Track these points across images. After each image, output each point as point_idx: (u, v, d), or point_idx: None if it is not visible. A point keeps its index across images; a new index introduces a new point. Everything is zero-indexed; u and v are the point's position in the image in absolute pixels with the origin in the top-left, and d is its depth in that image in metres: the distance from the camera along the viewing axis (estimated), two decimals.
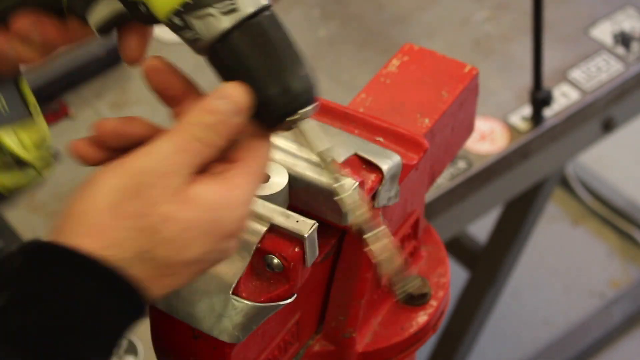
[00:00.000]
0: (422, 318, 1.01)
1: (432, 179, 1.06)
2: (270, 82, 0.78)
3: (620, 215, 2.72)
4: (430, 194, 1.52)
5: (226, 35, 0.77)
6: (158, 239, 0.76)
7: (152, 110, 1.56)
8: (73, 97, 1.68)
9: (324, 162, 0.81)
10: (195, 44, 0.79)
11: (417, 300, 1.02)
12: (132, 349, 1.41)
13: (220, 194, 0.77)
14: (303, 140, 0.81)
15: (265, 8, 0.78)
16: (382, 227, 0.82)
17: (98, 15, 0.83)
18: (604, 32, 1.79)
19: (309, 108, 0.79)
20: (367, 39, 1.78)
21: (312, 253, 0.86)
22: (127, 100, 1.66)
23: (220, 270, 0.84)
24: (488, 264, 2.14)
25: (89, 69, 1.69)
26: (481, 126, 1.62)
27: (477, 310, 2.16)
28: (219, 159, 0.79)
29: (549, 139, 1.67)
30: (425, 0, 1.84)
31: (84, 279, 0.74)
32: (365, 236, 0.82)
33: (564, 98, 1.68)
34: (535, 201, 1.98)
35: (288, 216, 0.85)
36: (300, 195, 0.89)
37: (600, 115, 1.74)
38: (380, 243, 0.82)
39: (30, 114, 0.92)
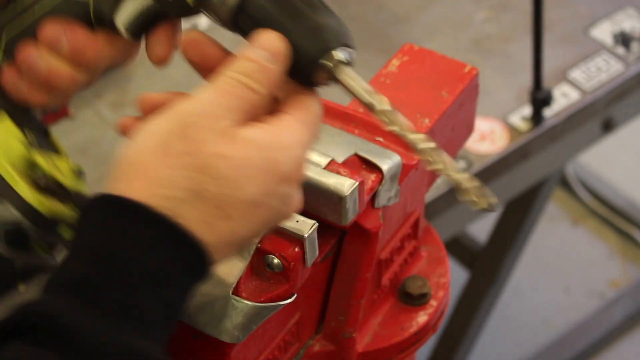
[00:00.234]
0: (422, 318, 1.01)
1: (432, 179, 1.06)
2: (301, 30, 0.77)
3: (620, 215, 2.72)
4: (430, 194, 1.52)
5: None
6: (211, 176, 0.73)
7: None
8: (73, 97, 1.68)
9: (378, 112, 0.79)
10: (222, 12, 0.78)
11: (417, 300, 1.02)
12: None
13: (273, 135, 0.76)
14: (350, 93, 0.79)
15: None
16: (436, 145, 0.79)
17: (126, 14, 0.83)
18: (604, 32, 1.79)
19: (343, 50, 0.78)
20: (367, 39, 1.78)
21: (312, 253, 0.87)
22: (127, 100, 1.66)
23: (220, 271, 0.84)
24: (488, 264, 2.14)
25: None
26: (481, 126, 1.62)
27: (477, 310, 2.16)
28: (268, 112, 0.78)
29: (549, 139, 1.67)
30: (425, 0, 1.84)
31: (134, 226, 0.72)
32: (428, 158, 0.79)
33: (564, 98, 1.68)
34: (535, 201, 1.98)
35: None
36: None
37: (600, 115, 1.74)
38: (442, 158, 0.79)
39: (58, 151, 0.91)
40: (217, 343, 0.86)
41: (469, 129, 1.10)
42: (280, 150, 0.76)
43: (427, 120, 1.00)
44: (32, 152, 0.86)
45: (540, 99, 1.62)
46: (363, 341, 1.00)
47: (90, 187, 1.58)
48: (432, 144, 0.79)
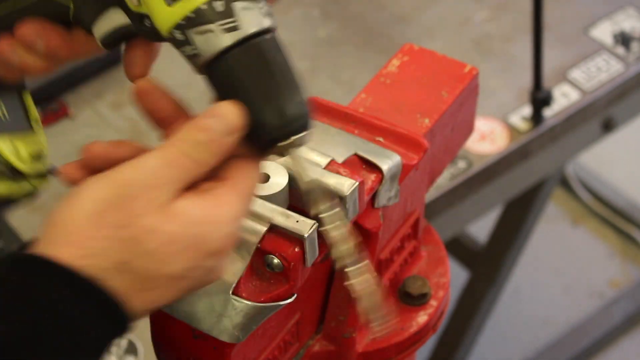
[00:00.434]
0: (422, 318, 1.01)
1: (432, 179, 1.06)
2: (265, 105, 0.77)
3: (620, 215, 2.72)
4: (430, 194, 1.52)
5: (225, 53, 0.77)
6: (139, 250, 0.74)
7: None
8: (73, 97, 1.68)
9: (310, 194, 0.80)
10: (194, 60, 0.78)
11: (417, 300, 1.02)
12: (132, 349, 1.41)
13: (206, 210, 0.76)
14: (294, 167, 0.80)
15: (268, 30, 0.78)
16: (365, 262, 0.80)
17: (104, 27, 0.83)
18: (604, 32, 1.79)
19: (301, 135, 0.78)
20: (367, 39, 1.78)
21: (312, 253, 0.86)
22: (127, 100, 1.66)
23: None
24: (488, 264, 2.13)
25: (89, 69, 1.69)
26: (481, 126, 1.62)
27: (477, 310, 2.16)
28: (208, 177, 0.78)
29: (549, 139, 1.67)
30: (425, 0, 1.84)
31: (59, 288, 0.73)
32: (347, 270, 0.80)
33: (564, 98, 1.68)
34: (535, 201, 1.98)
35: (288, 216, 0.85)
36: (300, 195, 0.89)
37: (600, 115, 1.74)
38: (362, 278, 0.80)
39: (30, 127, 0.92)
40: (217, 343, 0.86)
41: (469, 129, 1.10)
42: (212, 226, 0.76)
43: (427, 120, 1.00)
44: None
45: (540, 99, 1.62)
46: (363, 341, 1.00)
47: None
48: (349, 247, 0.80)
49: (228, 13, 0.76)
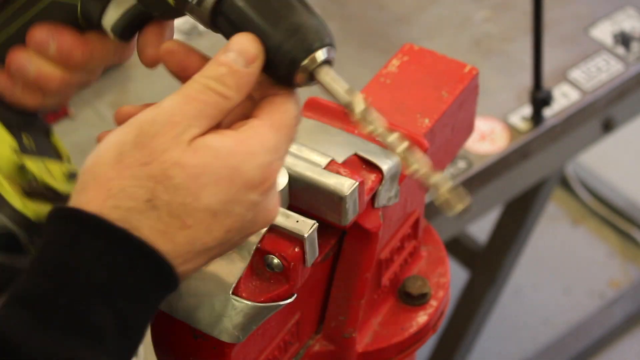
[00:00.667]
0: (422, 318, 1.01)
1: None
2: (278, 28, 0.76)
3: (620, 215, 2.73)
4: (430, 194, 1.52)
5: None
6: (165, 185, 0.72)
7: None
8: (73, 97, 1.68)
9: (354, 112, 0.77)
10: (202, 7, 0.77)
11: (417, 300, 1.02)
12: None
13: (237, 141, 0.74)
14: (327, 91, 0.78)
15: None
16: (422, 155, 0.79)
17: (113, 16, 0.83)
18: (604, 32, 1.79)
19: (323, 49, 0.77)
20: (367, 39, 1.78)
21: (312, 253, 0.87)
22: (127, 100, 1.66)
23: (220, 270, 0.84)
24: (488, 264, 2.14)
25: None
26: (481, 126, 1.63)
27: (477, 310, 2.16)
28: (242, 117, 0.77)
29: (549, 139, 1.67)
30: (425, 0, 1.84)
31: (85, 237, 0.72)
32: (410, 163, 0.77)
33: (564, 98, 1.68)
34: (535, 201, 1.98)
35: (288, 216, 0.85)
36: (300, 195, 0.89)
37: (600, 115, 1.74)
38: (428, 169, 0.78)
39: (61, 159, 0.91)
40: (217, 343, 0.86)
41: (469, 129, 1.10)
42: (243, 157, 0.74)
43: (427, 120, 1.00)
44: (22, 157, 0.86)
45: (540, 99, 1.62)
46: (363, 341, 1.00)
47: None
48: (407, 144, 0.78)
49: None
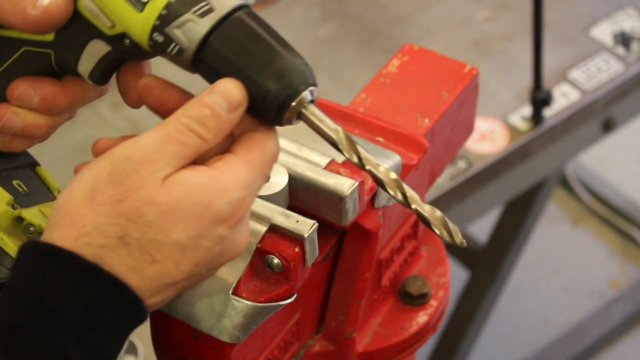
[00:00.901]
0: (422, 318, 1.01)
1: (432, 179, 1.06)
2: (263, 74, 0.77)
3: (620, 215, 2.73)
4: (430, 194, 1.52)
5: (207, 37, 0.77)
6: (137, 223, 0.73)
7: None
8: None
9: (341, 144, 0.79)
10: (182, 58, 0.78)
11: (417, 300, 1.02)
12: (132, 349, 1.41)
13: (210, 177, 0.75)
14: (315, 129, 0.79)
15: (243, 6, 0.77)
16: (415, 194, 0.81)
17: (88, 63, 0.83)
18: (604, 32, 1.79)
19: (309, 89, 0.78)
20: (367, 39, 1.78)
21: (312, 253, 0.86)
22: None
23: (220, 271, 0.84)
24: (488, 264, 2.14)
25: None
26: (481, 126, 1.63)
27: (477, 310, 2.16)
28: (219, 152, 0.77)
29: (549, 139, 1.67)
30: (425, 0, 1.84)
31: (57, 272, 0.72)
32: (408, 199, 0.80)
33: (564, 98, 1.68)
34: (535, 201, 1.98)
35: (288, 216, 0.85)
36: (300, 195, 0.89)
37: (600, 115, 1.74)
38: (423, 206, 0.80)
39: (54, 197, 0.92)
40: (217, 343, 0.86)
41: (469, 129, 1.10)
42: (215, 193, 0.74)
43: (427, 120, 1.00)
44: (18, 210, 0.88)
45: (540, 99, 1.62)
46: (363, 341, 1.00)
47: None
48: (395, 176, 0.80)
49: None
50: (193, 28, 0.77)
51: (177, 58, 0.78)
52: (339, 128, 0.79)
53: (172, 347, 0.89)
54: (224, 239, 0.76)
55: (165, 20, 0.77)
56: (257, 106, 0.77)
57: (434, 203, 1.54)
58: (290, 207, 0.88)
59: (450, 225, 0.80)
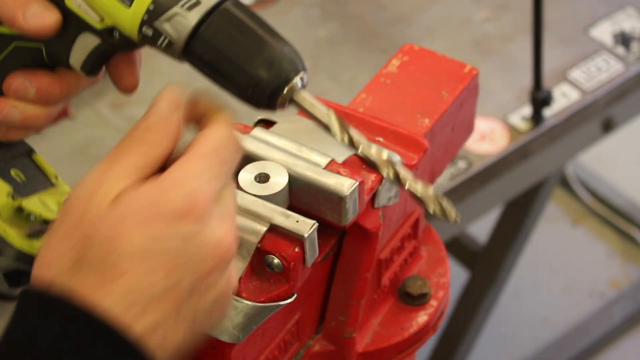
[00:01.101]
0: (422, 318, 1.01)
1: (432, 179, 1.06)
2: (253, 64, 0.78)
3: (620, 215, 2.73)
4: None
5: (196, 29, 0.78)
6: (90, 243, 0.71)
7: None
8: (73, 97, 1.68)
9: (332, 126, 0.81)
10: (172, 50, 0.79)
11: (417, 300, 1.02)
12: None
13: (160, 179, 0.73)
14: (306, 113, 0.81)
15: None
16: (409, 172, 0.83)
17: (79, 56, 0.84)
18: (604, 32, 1.79)
19: (299, 76, 0.79)
20: (367, 39, 1.78)
21: (312, 253, 0.86)
22: (127, 100, 1.65)
23: None
24: (488, 264, 2.14)
25: None
26: (481, 126, 1.62)
27: (477, 310, 2.16)
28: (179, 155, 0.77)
29: (549, 139, 1.67)
30: (425, 0, 1.84)
31: (30, 306, 0.72)
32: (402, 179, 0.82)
33: (564, 98, 1.68)
34: (535, 201, 1.98)
35: (288, 216, 0.85)
36: (300, 195, 0.89)
37: (600, 115, 1.74)
38: (416, 184, 0.82)
39: (52, 183, 0.93)
40: (217, 343, 0.86)
41: (469, 129, 1.10)
42: (164, 190, 0.72)
43: (427, 120, 1.00)
44: (18, 200, 0.89)
45: (540, 99, 1.62)
46: (363, 341, 1.00)
47: None
48: (387, 156, 0.82)
49: None
50: (181, 21, 0.78)
51: (167, 50, 0.79)
52: (331, 111, 0.81)
53: None
54: (194, 235, 0.72)
55: (153, 14, 0.78)
56: (249, 95, 0.79)
57: None
58: (290, 207, 0.88)
59: (444, 202, 0.81)
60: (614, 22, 1.80)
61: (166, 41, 0.79)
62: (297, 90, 0.80)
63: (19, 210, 0.88)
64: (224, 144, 0.77)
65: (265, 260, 0.86)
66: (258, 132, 0.92)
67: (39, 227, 0.89)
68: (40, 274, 0.73)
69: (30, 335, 0.71)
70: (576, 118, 1.69)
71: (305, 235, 0.85)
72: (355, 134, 0.82)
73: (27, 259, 0.88)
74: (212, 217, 0.74)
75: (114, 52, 0.85)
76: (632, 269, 2.66)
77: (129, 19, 0.79)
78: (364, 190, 0.90)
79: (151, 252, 0.71)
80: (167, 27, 0.78)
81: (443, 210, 0.81)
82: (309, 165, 0.89)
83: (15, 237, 0.87)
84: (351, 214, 0.88)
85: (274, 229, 0.85)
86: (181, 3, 0.78)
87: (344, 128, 0.82)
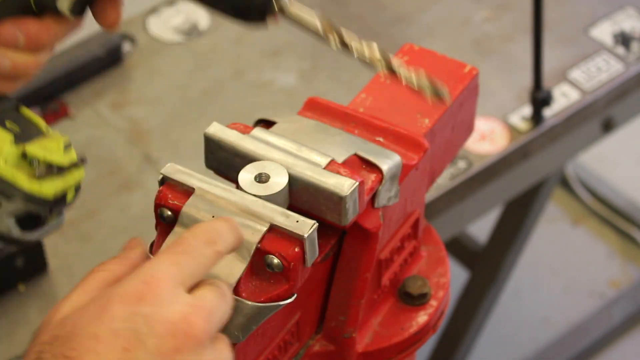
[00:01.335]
0: (422, 318, 1.01)
1: (432, 179, 1.06)
2: None
3: (620, 215, 2.72)
4: (430, 194, 1.52)
5: None
6: (55, 338, 0.75)
7: (153, 110, 1.55)
8: (73, 97, 1.68)
9: (325, 34, 0.87)
10: None
11: (417, 300, 1.02)
12: None
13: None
14: (297, 23, 0.86)
15: None
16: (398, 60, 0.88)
17: (66, 0, 0.88)
18: (604, 32, 1.79)
19: None
20: (367, 39, 1.78)
21: (312, 253, 0.86)
22: (127, 100, 1.65)
23: (220, 271, 0.84)
24: (488, 264, 2.14)
25: (89, 69, 1.69)
26: (481, 126, 1.62)
27: (477, 310, 2.16)
28: None
29: (549, 139, 1.67)
30: (425, 0, 1.84)
31: None
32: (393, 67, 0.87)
33: (564, 98, 1.68)
34: (535, 201, 1.98)
35: (288, 216, 0.85)
36: (300, 195, 0.89)
37: (600, 115, 1.74)
38: (404, 70, 0.87)
39: (43, 132, 0.95)
40: None
41: (469, 129, 1.10)
42: (126, 280, 0.76)
43: (427, 120, 1.00)
44: (21, 146, 0.91)
45: (540, 99, 1.62)
46: (363, 341, 1.00)
47: (90, 187, 1.58)
48: (379, 54, 0.89)
49: None
50: None
51: None
52: (317, 18, 0.87)
53: None
54: (147, 316, 0.74)
55: None
56: (241, 12, 0.84)
57: (434, 203, 1.54)
58: (290, 207, 0.88)
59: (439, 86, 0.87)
60: (614, 22, 1.80)
61: None
62: (284, 2, 0.84)
63: (23, 156, 0.91)
64: (190, 235, 0.80)
65: (265, 260, 0.86)
66: (258, 132, 0.92)
67: (46, 170, 0.92)
68: None
69: None
70: (576, 118, 1.69)
71: (305, 235, 0.85)
72: (345, 34, 0.87)
73: (38, 201, 0.91)
74: (173, 300, 0.76)
75: None
76: (632, 269, 2.66)
77: None
78: (364, 190, 0.90)
79: (107, 333, 0.73)
80: None
81: (437, 94, 0.87)
82: (309, 165, 0.89)
83: (25, 180, 0.90)
84: (351, 214, 0.88)
85: (274, 229, 0.85)
86: None
87: (331, 29, 0.86)
